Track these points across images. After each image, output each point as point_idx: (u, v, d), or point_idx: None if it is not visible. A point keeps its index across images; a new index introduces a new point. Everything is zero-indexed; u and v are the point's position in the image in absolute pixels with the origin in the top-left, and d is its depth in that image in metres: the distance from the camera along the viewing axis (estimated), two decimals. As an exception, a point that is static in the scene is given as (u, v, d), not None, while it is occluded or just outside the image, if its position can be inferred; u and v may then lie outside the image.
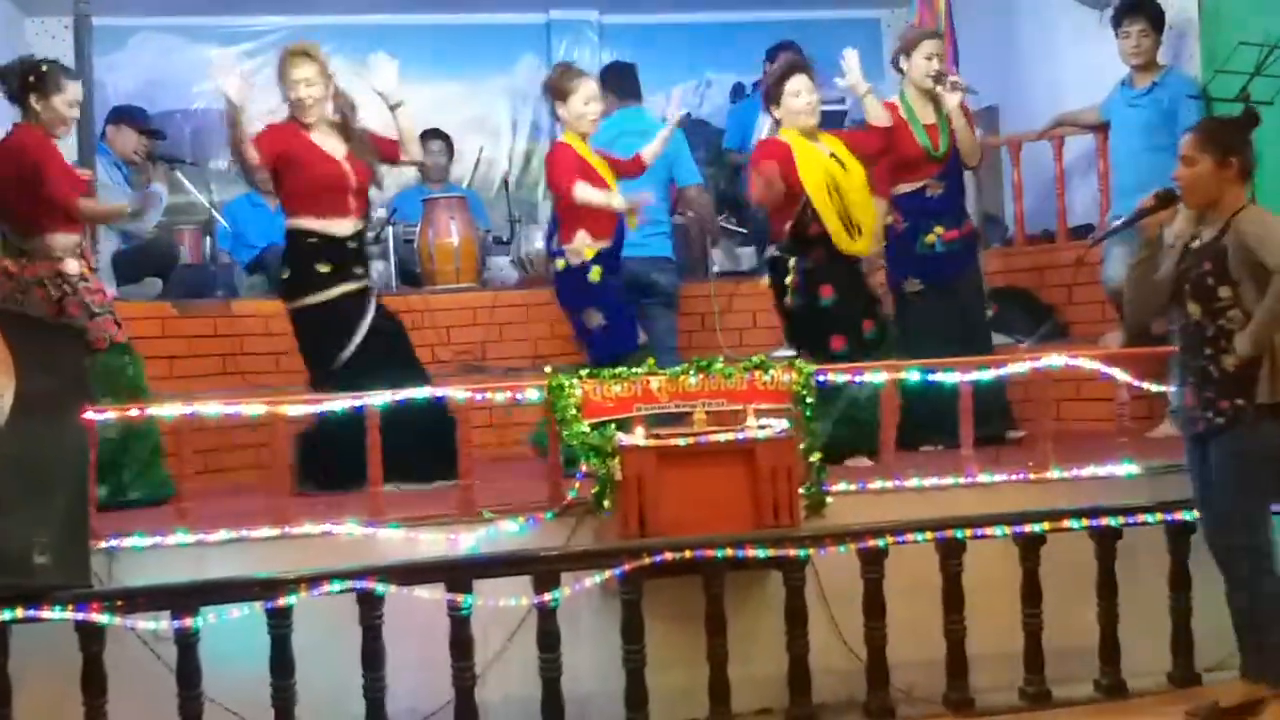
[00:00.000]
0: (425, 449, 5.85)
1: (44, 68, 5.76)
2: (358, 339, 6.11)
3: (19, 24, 9.00)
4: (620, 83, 7.52)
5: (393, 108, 6.29)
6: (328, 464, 5.96)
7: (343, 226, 6.17)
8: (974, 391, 5.71)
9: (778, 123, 6.53)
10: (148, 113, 8.43)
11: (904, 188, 6.85)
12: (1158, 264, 4.83)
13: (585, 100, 6.39)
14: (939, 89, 6.72)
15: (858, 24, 10.10)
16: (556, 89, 6.45)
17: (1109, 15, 7.21)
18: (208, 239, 8.22)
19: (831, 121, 8.08)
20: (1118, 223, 5.37)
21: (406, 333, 6.44)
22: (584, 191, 6.17)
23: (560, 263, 6.37)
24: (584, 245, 6.27)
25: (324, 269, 6.11)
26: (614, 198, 6.28)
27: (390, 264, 8.43)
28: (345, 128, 6.24)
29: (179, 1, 9.33)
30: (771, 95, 6.50)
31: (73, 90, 5.77)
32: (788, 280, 6.38)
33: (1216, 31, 6.61)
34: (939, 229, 6.74)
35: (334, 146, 6.21)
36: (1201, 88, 6.54)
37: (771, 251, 6.52)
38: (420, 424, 5.64)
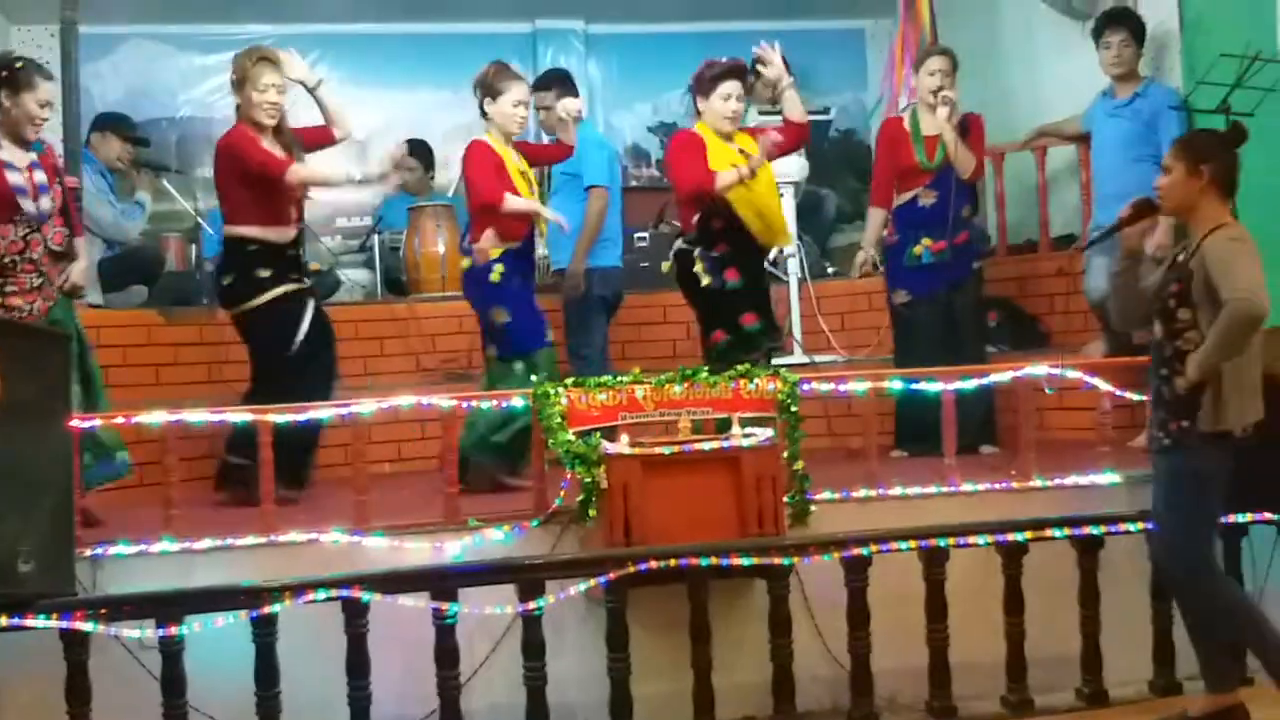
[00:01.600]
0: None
1: (18, 64, 5.68)
2: (299, 338, 6.15)
3: (5, 31, 8.99)
4: (562, 87, 7.52)
5: (312, 89, 6.37)
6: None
7: (285, 234, 6.22)
8: (955, 402, 5.75)
9: (698, 114, 6.52)
10: (132, 120, 8.43)
11: (900, 199, 6.98)
12: (1138, 273, 4.85)
13: (514, 102, 6.42)
14: (934, 103, 6.86)
15: (842, 34, 10.15)
16: (487, 86, 6.47)
17: (1091, 26, 7.25)
18: (193, 247, 8.21)
19: (815, 130, 8.14)
20: (1098, 233, 5.40)
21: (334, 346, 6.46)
22: (513, 202, 6.24)
23: (466, 261, 6.41)
24: (489, 245, 6.31)
25: (265, 273, 6.17)
26: (540, 208, 6.37)
27: (376, 272, 8.44)
28: (280, 132, 6.26)
29: (165, 10, 9.33)
30: (702, 88, 6.45)
31: (45, 90, 5.66)
32: (695, 269, 6.39)
33: (1198, 43, 6.66)
34: (926, 240, 6.84)
35: (280, 154, 6.22)
36: (1183, 99, 6.59)
37: (678, 244, 6.52)
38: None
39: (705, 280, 6.32)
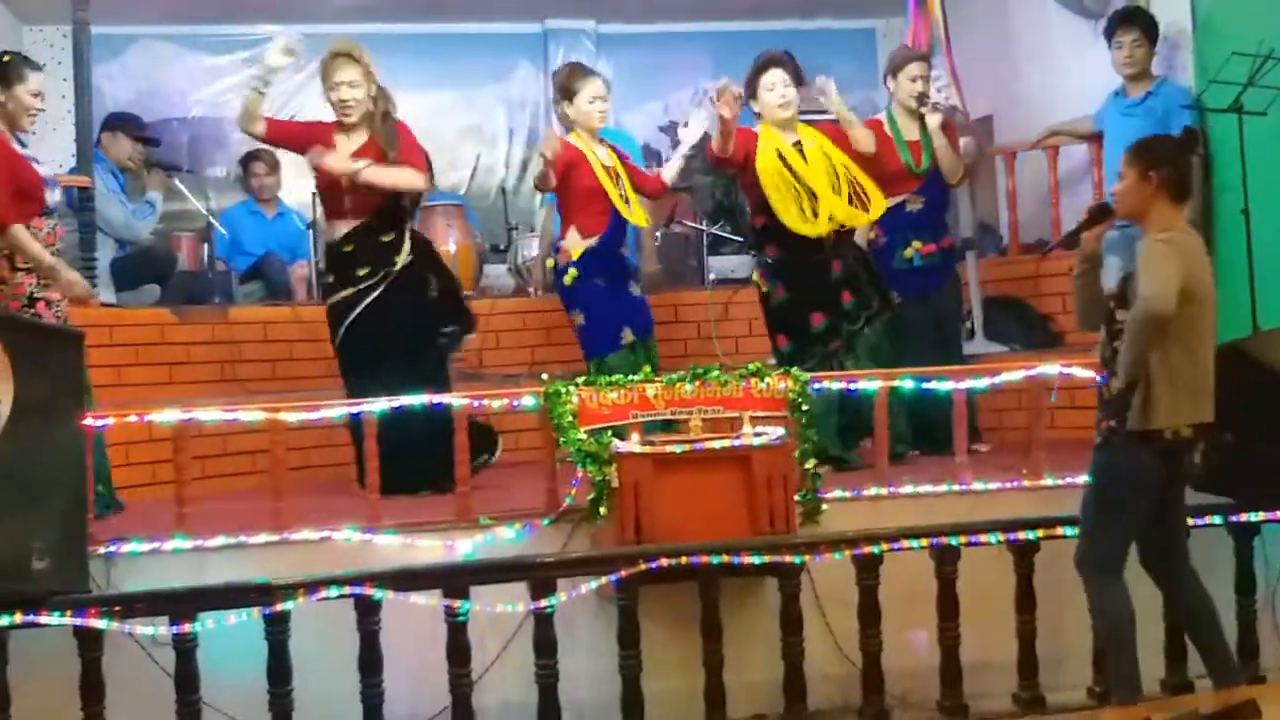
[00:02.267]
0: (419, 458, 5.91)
1: (5, 58, 5.69)
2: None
3: (17, 32, 9.02)
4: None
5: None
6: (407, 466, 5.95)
7: (337, 229, 6.22)
8: (935, 403, 5.81)
9: (758, 116, 6.59)
10: (143, 120, 8.44)
11: (895, 201, 6.91)
12: (1098, 276, 4.89)
13: (590, 98, 6.46)
14: (922, 110, 6.87)
15: (853, 34, 10.15)
16: (562, 88, 6.54)
17: (1103, 25, 7.24)
18: (205, 246, 8.23)
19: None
20: (1061, 236, 5.43)
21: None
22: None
23: (550, 261, 6.47)
24: (572, 245, 6.41)
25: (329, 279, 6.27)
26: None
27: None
28: (374, 125, 6.23)
29: (177, 10, 9.34)
30: (749, 88, 6.57)
31: (35, 80, 5.66)
32: (754, 277, 6.64)
33: (1210, 42, 6.64)
34: (917, 244, 6.85)
35: (349, 147, 6.21)
36: (1195, 98, 6.58)
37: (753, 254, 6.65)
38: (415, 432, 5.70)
39: (764, 288, 6.51)
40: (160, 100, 9.48)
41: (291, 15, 9.34)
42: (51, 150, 6.17)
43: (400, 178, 6.19)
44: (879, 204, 6.55)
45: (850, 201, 6.48)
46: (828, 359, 6.31)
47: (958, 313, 7.16)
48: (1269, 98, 6.04)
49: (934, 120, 6.83)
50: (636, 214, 6.58)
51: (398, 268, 6.19)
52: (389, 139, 6.20)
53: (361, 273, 6.16)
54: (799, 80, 6.55)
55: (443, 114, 9.62)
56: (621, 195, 6.49)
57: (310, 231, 8.09)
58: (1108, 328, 4.75)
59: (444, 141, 9.24)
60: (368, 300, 6.15)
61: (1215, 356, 5.31)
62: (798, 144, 6.50)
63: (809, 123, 6.70)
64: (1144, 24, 6.95)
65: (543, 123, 9.79)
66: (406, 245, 6.24)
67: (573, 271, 6.41)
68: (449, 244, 8.10)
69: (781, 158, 6.43)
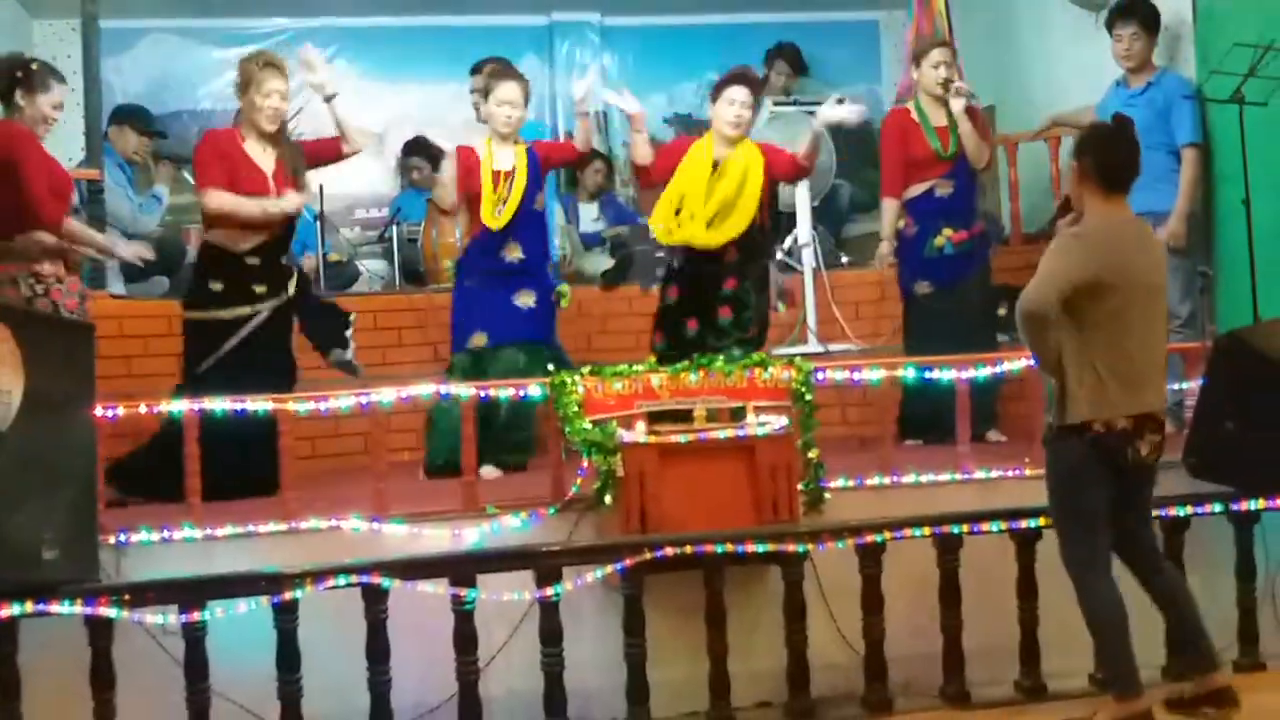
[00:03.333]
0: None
1: (34, 65, 5.78)
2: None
3: (27, 26, 9.05)
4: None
5: (328, 99, 6.32)
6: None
7: (238, 241, 6.17)
8: (957, 391, 5.81)
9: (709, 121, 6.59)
10: (150, 113, 8.48)
11: (915, 189, 6.98)
12: None
13: (499, 101, 6.51)
14: (946, 95, 6.89)
15: (856, 25, 10.16)
16: (483, 85, 6.70)
17: (1104, 17, 7.26)
18: (214, 238, 8.25)
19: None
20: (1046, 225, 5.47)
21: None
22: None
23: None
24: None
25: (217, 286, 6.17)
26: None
27: (394, 263, 8.49)
28: (278, 138, 6.27)
29: (186, 4, 9.39)
30: (713, 94, 6.55)
31: (58, 92, 5.76)
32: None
33: (1211, 32, 6.66)
34: (948, 230, 6.86)
35: (265, 160, 6.23)
36: (1196, 88, 6.60)
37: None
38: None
39: (661, 290, 6.55)
40: (170, 93, 9.52)
41: (300, 9, 9.41)
42: (60, 144, 6.19)
43: (294, 205, 6.27)
44: (734, 229, 6.43)
45: (716, 226, 6.41)
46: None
47: (992, 300, 7.05)
48: (1270, 88, 6.07)
49: (958, 105, 6.85)
50: (501, 217, 6.48)
51: (290, 293, 6.24)
52: (296, 158, 6.29)
53: (260, 290, 6.16)
54: (759, 100, 6.56)
55: (448, 107, 9.63)
56: (499, 198, 6.47)
57: (318, 223, 8.13)
58: None
59: (450, 134, 9.26)
60: (255, 323, 6.13)
61: (1215, 345, 5.36)
62: (718, 161, 6.42)
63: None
64: (1143, 16, 6.95)
65: (548, 116, 9.82)
66: (296, 274, 6.35)
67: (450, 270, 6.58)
68: (455, 236, 8.09)
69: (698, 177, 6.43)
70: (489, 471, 6.22)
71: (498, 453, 6.33)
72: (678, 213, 6.39)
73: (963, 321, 6.80)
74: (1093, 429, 4.54)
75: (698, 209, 6.35)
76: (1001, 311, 6.92)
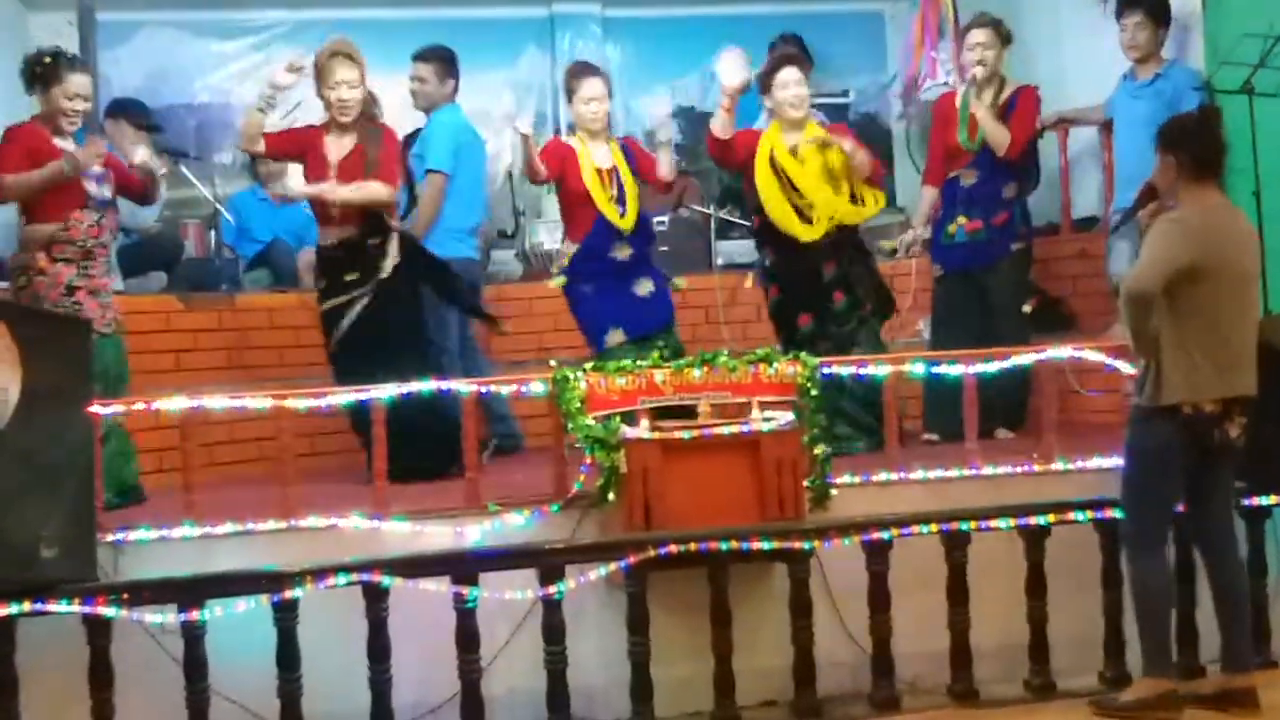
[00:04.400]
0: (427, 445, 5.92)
1: (47, 59, 5.78)
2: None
3: (23, 19, 8.98)
4: (441, 64, 7.41)
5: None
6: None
7: (328, 235, 6.23)
8: (985, 385, 5.75)
9: (771, 112, 6.61)
10: (146, 106, 8.41)
11: (949, 176, 6.93)
12: None
13: (586, 99, 6.50)
14: (964, 82, 6.86)
15: (861, 17, 10.09)
16: (565, 85, 6.66)
17: (1112, 7, 7.19)
18: (212, 233, 8.22)
19: (835, 114, 8.11)
20: (1118, 216, 5.41)
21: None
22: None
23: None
24: (564, 250, 6.59)
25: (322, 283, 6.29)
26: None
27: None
28: (358, 127, 6.24)
29: (183, -5, 9.34)
30: (764, 85, 6.59)
31: (73, 83, 5.75)
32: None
33: (1220, 23, 6.59)
34: (962, 219, 6.83)
35: (336, 148, 6.23)
36: (1205, 80, 6.53)
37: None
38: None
39: (764, 289, 6.65)
40: (167, 86, 9.44)
41: (298, 1, 9.34)
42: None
43: (366, 194, 6.18)
44: (875, 202, 6.55)
45: (853, 199, 6.48)
46: None
47: (1013, 294, 6.89)
48: (1280, 79, 6.01)
49: (969, 90, 6.78)
50: (628, 217, 6.49)
51: (385, 273, 6.20)
52: (372, 142, 6.24)
53: (350, 278, 6.19)
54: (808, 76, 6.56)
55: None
56: (613, 198, 6.46)
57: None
58: None
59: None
60: (359, 307, 6.18)
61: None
62: (795, 148, 6.48)
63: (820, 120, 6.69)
64: (1149, 6, 6.89)
65: (550, 108, 9.76)
66: (393, 249, 6.24)
67: (561, 278, 6.52)
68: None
69: (774, 165, 6.47)
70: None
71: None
72: (800, 214, 6.43)
73: (977, 312, 6.74)
74: (1182, 411, 4.66)
75: (828, 199, 6.40)
76: (1027, 308, 6.83)
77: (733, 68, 6.35)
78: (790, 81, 6.45)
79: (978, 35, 6.84)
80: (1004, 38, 6.84)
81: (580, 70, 6.68)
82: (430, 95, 7.34)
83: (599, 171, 6.48)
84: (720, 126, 6.44)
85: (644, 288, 6.55)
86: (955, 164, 6.88)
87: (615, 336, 6.43)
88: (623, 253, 6.50)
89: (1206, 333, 4.66)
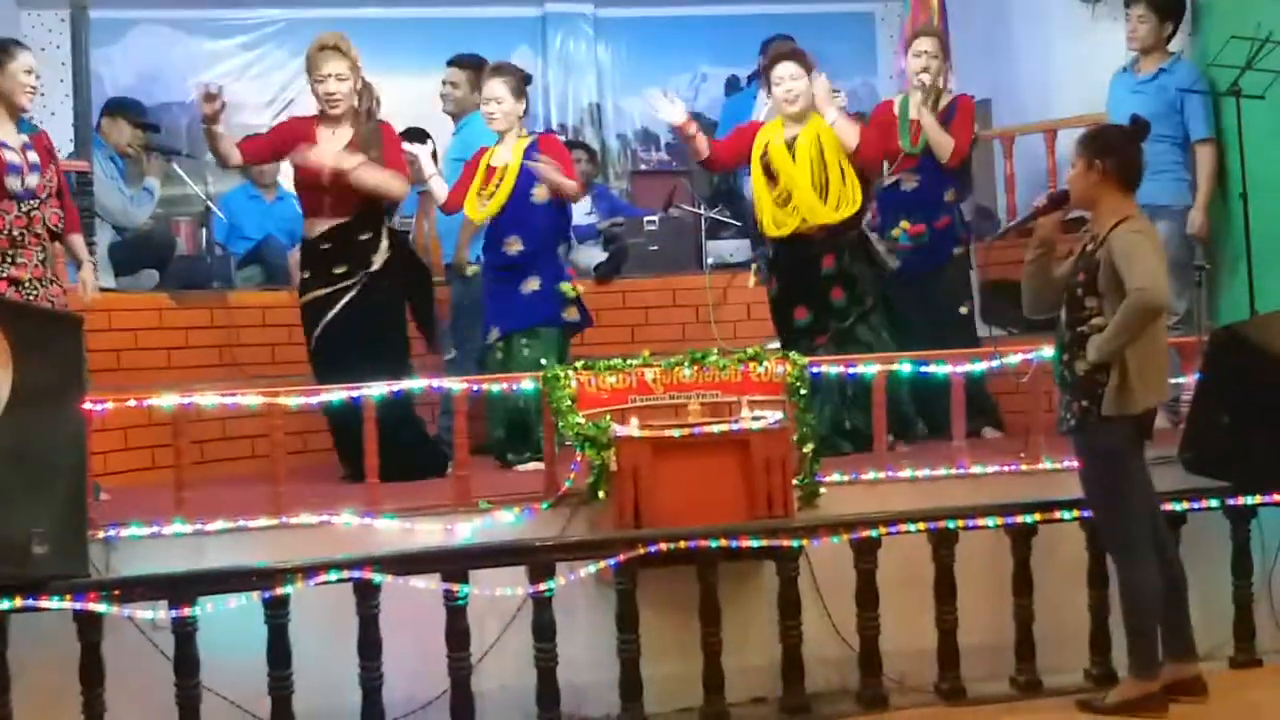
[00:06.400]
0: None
1: None
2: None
3: (15, 17, 9.01)
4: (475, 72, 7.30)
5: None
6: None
7: (315, 226, 6.19)
8: (944, 386, 5.78)
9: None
10: (143, 105, 8.43)
11: (885, 181, 6.89)
12: (1049, 261, 4.98)
13: (485, 99, 6.52)
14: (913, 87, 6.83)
15: (851, 17, 10.15)
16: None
17: (1100, 9, 7.19)
18: (204, 230, 8.23)
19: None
20: (1014, 222, 5.52)
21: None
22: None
23: None
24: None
25: (305, 274, 6.25)
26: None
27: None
28: (352, 120, 6.20)
29: (175, -6, 9.36)
30: (764, 79, 6.71)
31: (25, 58, 5.64)
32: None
33: (1209, 25, 6.62)
34: (905, 223, 6.79)
35: (331, 142, 6.17)
36: (1210, 79, 6.47)
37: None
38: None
39: (765, 281, 6.62)
40: (160, 85, 9.48)
41: (290, 0, 9.36)
42: (50, 135, 6.15)
43: (386, 181, 6.17)
44: (852, 203, 6.47)
45: (833, 201, 6.43)
46: (812, 353, 6.23)
47: (955, 296, 6.92)
48: (1267, 81, 6.03)
49: (916, 98, 6.76)
50: (486, 210, 6.45)
51: (375, 268, 6.17)
52: (371, 138, 6.19)
53: (339, 271, 6.14)
54: (809, 70, 6.53)
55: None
56: (482, 192, 6.44)
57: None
58: (1072, 313, 4.84)
59: (443, 126, 9.22)
60: (344, 300, 6.13)
61: (1212, 339, 5.40)
62: (791, 141, 6.47)
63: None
64: None
65: (542, 107, 9.78)
66: (384, 244, 6.22)
67: (475, 266, 6.71)
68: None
69: (765, 160, 6.48)
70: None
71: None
72: (785, 203, 6.44)
73: (922, 315, 6.72)
74: (1136, 413, 4.75)
75: (805, 196, 6.40)
76: (964, 310, 6.85)
77: (666, 108, 6.48)
78: (784, 77, 6.46)
79: (924, 44, 6.84)
80: (943, 45, 6.88)
81: (490, 71, 6.63)
82: (460, 101, 7.36)
83: (489, 168, 6.47)
84: (696, 151, 6.60)
85: (530, 285, 6.45)
86: (896, 168, 6.83)
87: (493, 334, 6.46)
88: (512, 248, 6.44)
89: (1152, 341, 4.75)
